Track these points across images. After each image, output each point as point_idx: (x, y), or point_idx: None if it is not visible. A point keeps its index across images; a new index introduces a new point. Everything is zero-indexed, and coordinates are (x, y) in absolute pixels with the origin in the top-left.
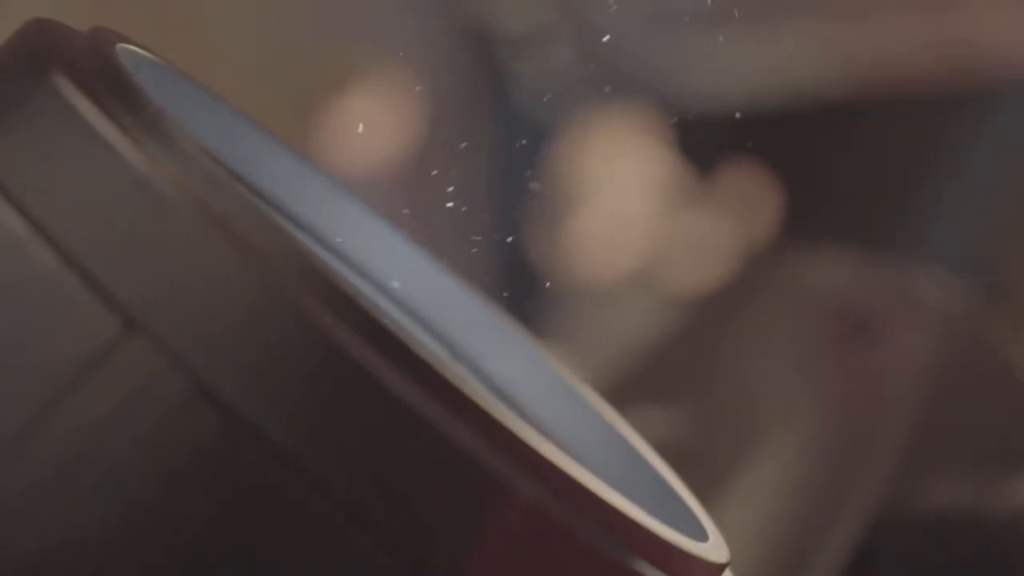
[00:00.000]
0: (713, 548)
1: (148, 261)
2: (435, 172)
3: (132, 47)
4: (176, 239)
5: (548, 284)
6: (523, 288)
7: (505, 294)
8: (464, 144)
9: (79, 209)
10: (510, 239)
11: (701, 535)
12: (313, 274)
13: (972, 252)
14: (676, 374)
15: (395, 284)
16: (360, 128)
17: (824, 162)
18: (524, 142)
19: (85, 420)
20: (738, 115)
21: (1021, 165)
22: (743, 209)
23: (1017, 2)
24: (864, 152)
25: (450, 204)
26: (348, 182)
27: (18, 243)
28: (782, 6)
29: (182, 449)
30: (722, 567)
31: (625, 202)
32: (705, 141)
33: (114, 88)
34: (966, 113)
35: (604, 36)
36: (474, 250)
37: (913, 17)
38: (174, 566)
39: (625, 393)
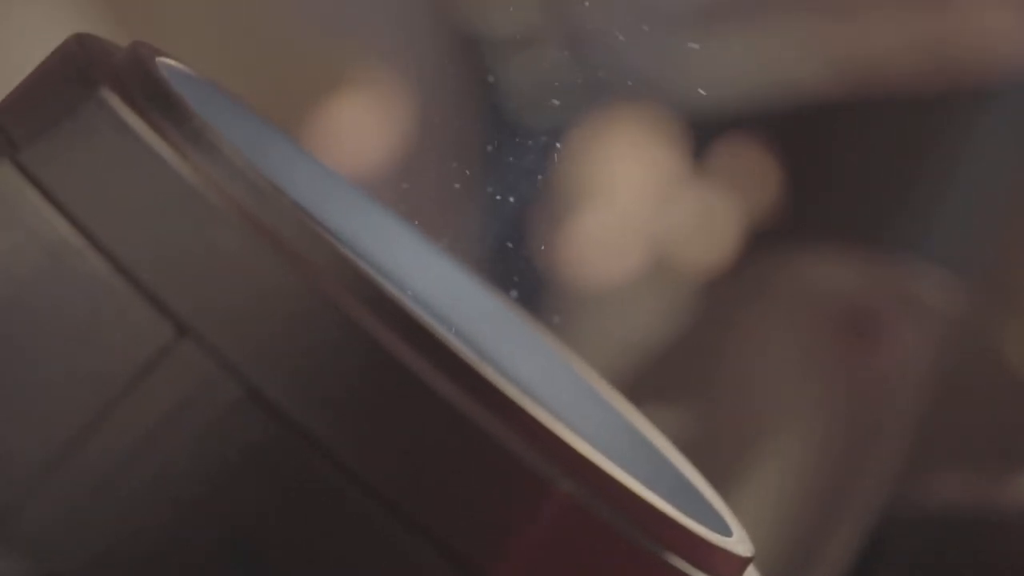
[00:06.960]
0: (739, 542)
1: (197, 269)
2: (426, 175)
3: (170, 61)
4: (223, 247)
5: (549, 286)
6: (522, 291)
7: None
8: (455, 158)
9: (130, 219)
10: (508, 243)
11: (725, 531)
12: (356, 279)
13: (971, 251)
14: (680, 374)
15: (414, 287)
16: (348, 131)
17: (823, 161)
18: (517, 145)
19: (138, 424)
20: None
21: (1017, 163)
22: (742, 194)
23: (1007, 1)
24: (862, 151)
25: (443, 207)
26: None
27: (72, 252)
28: (773, 5)
29: (232, 451)
30: (748, 561)
31: (623, 202)
32: (697, 140)
33: (159, 102)
34: (962, 111)
35: (593, 38)
36: (469, 252)
37: (903, 15)
38: (222, 565)
39: (630, 393)
